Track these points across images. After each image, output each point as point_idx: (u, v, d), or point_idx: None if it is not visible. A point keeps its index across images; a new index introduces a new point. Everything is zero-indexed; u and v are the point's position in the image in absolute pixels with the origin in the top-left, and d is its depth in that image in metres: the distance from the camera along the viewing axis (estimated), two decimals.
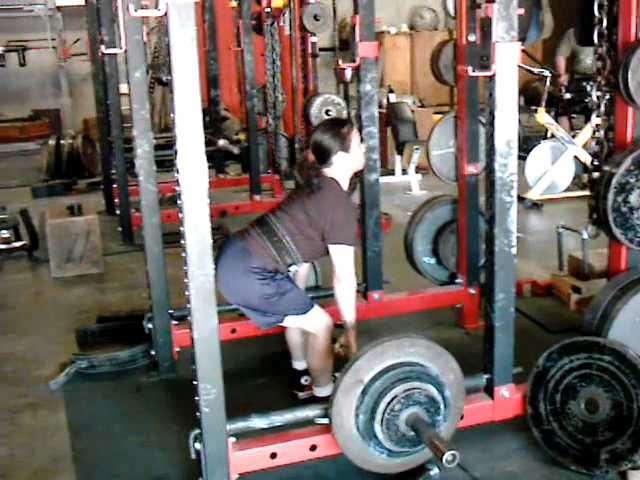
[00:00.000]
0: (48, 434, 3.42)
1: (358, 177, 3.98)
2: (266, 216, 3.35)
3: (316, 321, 3.29)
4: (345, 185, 3.35)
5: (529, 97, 8.86)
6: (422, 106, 10.69)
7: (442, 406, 2.77)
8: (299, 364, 3.62)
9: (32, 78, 13.13)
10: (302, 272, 3.61)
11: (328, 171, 3.31)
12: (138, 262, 4.55)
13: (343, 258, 3.23)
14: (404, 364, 2.75)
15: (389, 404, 2.69)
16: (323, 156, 3.31)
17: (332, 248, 3.23)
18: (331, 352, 3.34)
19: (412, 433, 2.71)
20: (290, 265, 3.25)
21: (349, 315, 3.28)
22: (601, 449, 2.88)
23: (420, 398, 2.72)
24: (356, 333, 3.31)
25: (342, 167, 3.32)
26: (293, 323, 3.32)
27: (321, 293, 3.97)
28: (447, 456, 2.54)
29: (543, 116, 7.35)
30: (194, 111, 2.39)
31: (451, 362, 2.85)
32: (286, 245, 3.22)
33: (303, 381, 3.57)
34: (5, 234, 6.17)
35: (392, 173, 8.61)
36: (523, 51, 5.71)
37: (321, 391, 3.38)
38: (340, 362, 3.06)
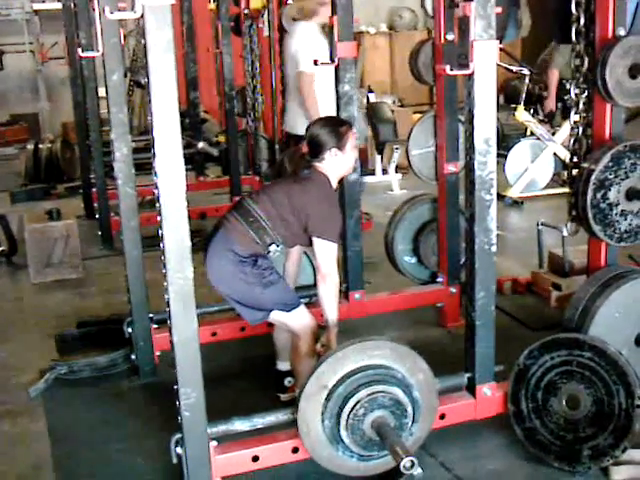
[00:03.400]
0: (28, 442, 3.39)
1: None
2: (242, 199, 3.36)
3: (300, 321, 3.27)
4: (334, 185, 3.35)
5: (509, 95, 8.88)
6: (402, 106, 10.68)
7: (410, 408, 2.75)
8: (283, 365, 3.60)
9: (10, 82, 13.01)
10: (291, 269, 3.61)
11: (319, 166, 3.32)
12: (118, 266, 4.52)
13: (326, 254, 3.22)
14: (368, 367, 2.73)
15: (353, 409, 2.68)
16: (317, 150, 3.30)
17: (315, 241, 3.23)
18: (314, 354, 3.32)
19: (379, 437, 2.70)
20: (270, 245, 3.22)
21: (332, 313, 3.27)
22: (583, 445, 2.89)
23: (384, 401, 2.70)
24: (338, 332, 3.30)
25: (333, 165, 3.32)
26: (278, 319, 3.30)
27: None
28: (405, 462, 2.55)
29: (522, 114, 7.37)
30: (172, 114, 2.38)
31: (419, 362, 2.83)
32: (262, 224, 3.20)
33: (286, 383, 3.56)
34: None
35: (372, 173, 8.60)
36: (502, 49, 5.72)
37: None
38: None
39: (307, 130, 3.42)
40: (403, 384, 2.77)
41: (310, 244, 3.28)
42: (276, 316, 3.27)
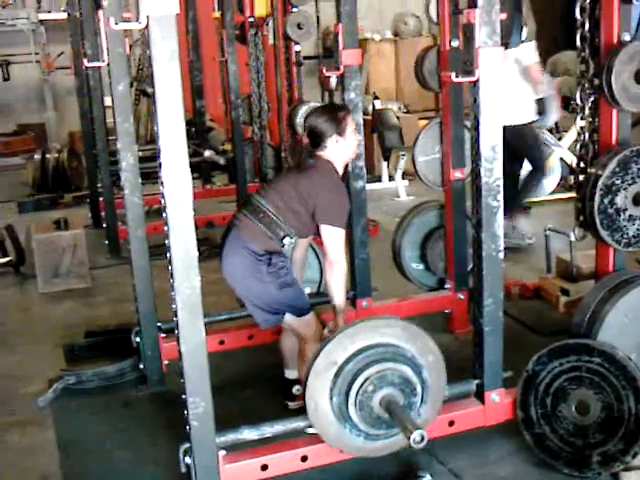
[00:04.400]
0: (37, 452, 3.39)
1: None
2: (250, 196, 3.37)
3: (309, 327, 3.28)
4: (340, 171, 3.36)
5: None
6: (407, 112, 10.70)
7: (419, 387, 2.75)
8: (291, 373, 3.59)
9: (16, 92, 13.07)
10: (299, 258, 3.60)
11: (323, 154, 3.32)
12: (125, 275, 4.52)
13: (334, 240, 3.22)
14: (378, 345, 2.73)
15: (362, 386, 2.67)
16: (318, 139, 3.31)
17: (323, 228, 3.23)
18: None
19: (387, 415, 2.69)
20: (283, 238, 3.21)
21: (339, 298, 3.27)
22: (593, 451, 2.88)
23: (394, 379, 2.69)
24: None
25: (336, 152, 3.32)
26: (287, 322, 3.30)
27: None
28: (415, 436, 2.54)
29: None
30: (177, 123, 2.39)
31: (429, 343, 2.82)
32: (273, 218, 3.20)
33: (294, 391, 3.55)
34: None
35: (379, 180, 8.61)
36: None
37: None
38: None
39: (305, 121, 3.43)
40: (413, 363, 2.76)
41: (319, 232, 3.28)
42: (286, 319, 3.27)
